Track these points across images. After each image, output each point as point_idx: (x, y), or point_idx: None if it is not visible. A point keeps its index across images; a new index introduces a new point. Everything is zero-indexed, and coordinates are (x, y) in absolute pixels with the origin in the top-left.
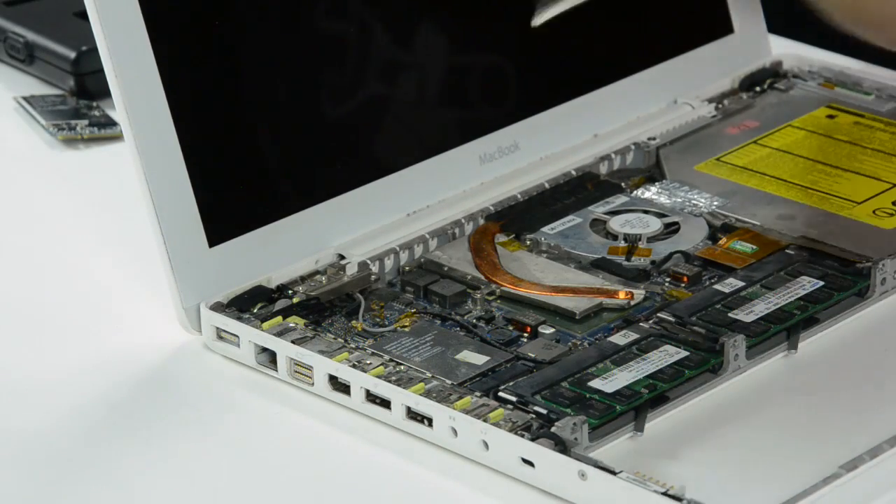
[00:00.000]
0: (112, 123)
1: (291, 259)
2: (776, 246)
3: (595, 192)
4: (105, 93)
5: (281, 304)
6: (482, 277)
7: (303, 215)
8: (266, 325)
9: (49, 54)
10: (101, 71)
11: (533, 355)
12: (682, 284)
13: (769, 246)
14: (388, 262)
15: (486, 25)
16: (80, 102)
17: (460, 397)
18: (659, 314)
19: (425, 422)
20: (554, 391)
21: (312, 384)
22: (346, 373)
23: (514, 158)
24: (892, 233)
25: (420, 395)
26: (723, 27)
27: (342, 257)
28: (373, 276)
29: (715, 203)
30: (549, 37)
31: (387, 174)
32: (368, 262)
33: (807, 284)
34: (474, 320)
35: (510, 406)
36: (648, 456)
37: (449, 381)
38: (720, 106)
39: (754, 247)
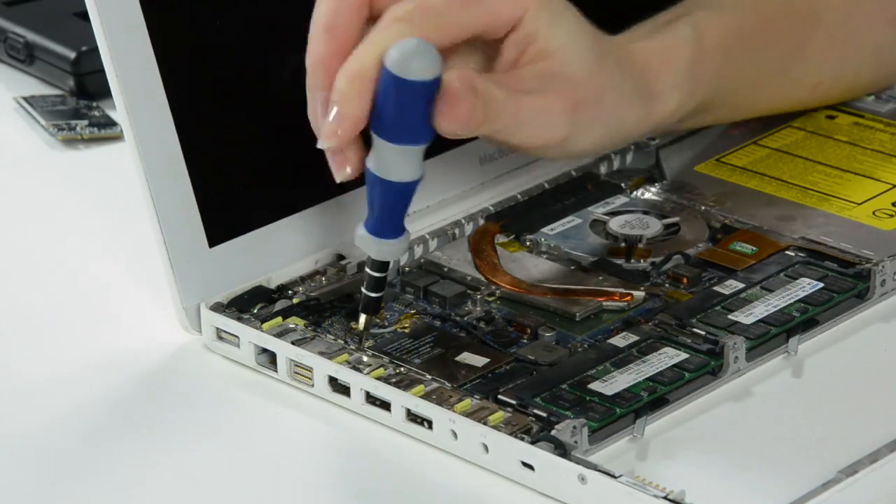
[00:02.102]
0: (112, 123)
1: (291, 259)
2: (776, 247)
3: (595, 193)
4: (105, 93)
5: (281, 304)
6: (482, 278)
7: (303, 215)
8: (266, 325)
9: (49, 54)
10: (101, 71)
11: (533, 357)
12: (682, 286)
13: (769, 247)
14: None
15: None
16: (80, 102)
17: (460, 399)
18: (659, 316)
19: (425, 424)
20: (554, 394)
21: (312, 385)
22: (346, 374)
23: (514, 158)
24: (892, 234)
25: (420, 397)
26: None
27: (342, 257)
28: None
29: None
30: None
31: None
32: None
33: (806, 286)
34: (474, 321)
35: (510, 409)
36: (648, 459)
37: (449, 384)
38: None
39: (754, 248)
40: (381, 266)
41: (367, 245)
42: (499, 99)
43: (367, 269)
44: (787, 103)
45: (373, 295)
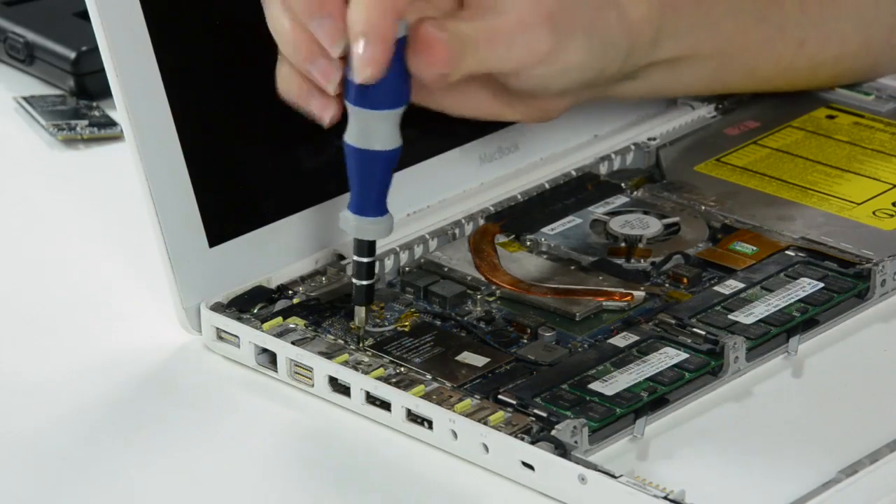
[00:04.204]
0: (112, 123)
1: (291, 259)
2: (776, 247)
3: (595, 193)
4: (105, 93)
5: (281, 304)
6: (482, 278)
7: (303, 215)
8: (266, 325)
9: (49, 54)
10: (101, 71)
11: (533, 357)
12: (682, 286)
13: (769, 247)
14: (388, 263)
15: None
16: (80, 102)
17: (460, 399)
18: (659, 316)
19: (425, 424)
20: (554, 394)
21: (312, 385)
22: (346, 374)
23: (514, 158)
24: (892, 234)
25: (420, 397)
26: None
27: (342, 257)
28: None
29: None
30: None
31: None
32: None
33: (807, 286)
34: (474, 321)
35: (510, 409)
36: (648, 459)
37: (449, 384)
38: (720, 106)
39: (754, 248)
40: (369, 249)
41: (351, 226)
42: (468, 32)
43: (355, 257)
44: (774, 62)
45: (364, 283)
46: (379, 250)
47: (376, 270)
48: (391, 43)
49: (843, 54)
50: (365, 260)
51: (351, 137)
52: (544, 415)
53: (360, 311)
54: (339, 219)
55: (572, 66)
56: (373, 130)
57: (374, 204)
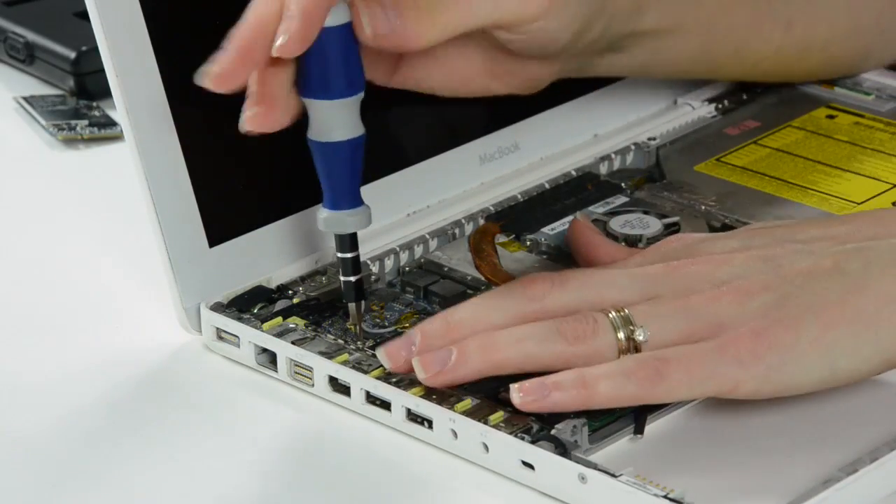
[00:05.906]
0: (112, 123)
1: (291, 259)
2: None
3: (595, 193)
4: (105, 93)
5: (281, 304)
6: (482, 278)
7: (303, 215)
8: (266, 325)
9: (49, 54)
10: (101, 71)
11: None
12: None
13: None
14: (388, 263)
15: None
16: (80, 102)
17: (460, 399)
18: None
19: (425, 423)
20: None
21: (312, 385)
22: (346, 374)
23: (514, 158)
24: None
25: (420, 396)
26: None
27: None
28: (373, 277)
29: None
30: None
31: (387, 174)
32: (368, 262)
33: None
34: None
35: (510, 408)
36: (648, 458)
37: None
38: (720, 106)
39: None
40: (351, 244)
41: (328, 223)
42: None
43: (338, 253)
44: (761, 42)
45: (351, 279)
46: (379, 250)
47: (375, 270)
48: (316, 20)
49: (833, 37)
50: (348, 255)
51: (312, 132)
52: (544, 414)
53: (353, 308)
54: (318, 221)
55: (563, 26)
56: (332, 121)
57: (346, 196)
